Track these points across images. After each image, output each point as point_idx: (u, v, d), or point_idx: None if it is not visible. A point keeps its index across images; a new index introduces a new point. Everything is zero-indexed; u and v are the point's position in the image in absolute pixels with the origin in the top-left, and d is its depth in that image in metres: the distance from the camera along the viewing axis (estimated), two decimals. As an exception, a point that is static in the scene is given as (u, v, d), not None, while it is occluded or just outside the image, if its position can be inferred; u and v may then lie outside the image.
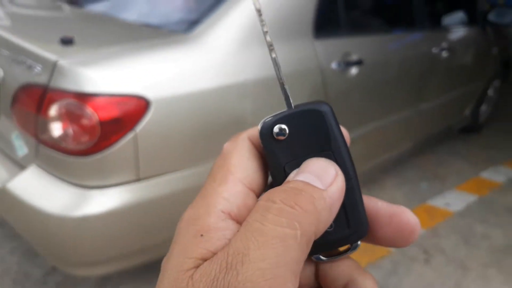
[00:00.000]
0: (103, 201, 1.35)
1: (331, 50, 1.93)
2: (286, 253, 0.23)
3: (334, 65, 1.91)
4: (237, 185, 0.28)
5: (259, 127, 0.29)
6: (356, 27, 2.29)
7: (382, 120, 2.47)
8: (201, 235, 0.25)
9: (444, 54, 2.83)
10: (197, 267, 0.24)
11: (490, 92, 3.99)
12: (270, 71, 1.61)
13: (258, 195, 0.29)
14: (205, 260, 0.24)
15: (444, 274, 2.14)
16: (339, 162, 0.28)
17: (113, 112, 1.27)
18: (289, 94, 0.29)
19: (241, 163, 0.29)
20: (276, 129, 0.29)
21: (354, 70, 2.02)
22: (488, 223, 2.61)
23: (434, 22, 2.99)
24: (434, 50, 2.73)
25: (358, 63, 2.04)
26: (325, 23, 1.93)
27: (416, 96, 2.77)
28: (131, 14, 1.86)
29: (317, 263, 0.30)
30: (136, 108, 1.30)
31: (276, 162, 0.29)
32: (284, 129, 0.29)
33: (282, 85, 0.29)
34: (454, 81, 3.19)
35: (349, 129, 0.32)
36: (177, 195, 1.48)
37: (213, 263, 0.23)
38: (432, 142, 3.54)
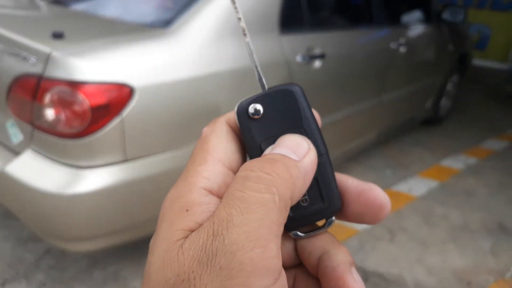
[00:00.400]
0: (94, 179, 1.47)
1: (295, 45, 2.07)
2: (267, 216, 0.24)
3: (299, 58, 2.06)
4: (217, 165, 0.29)
5: (235, 108, 0.30)
6: (319, 23, 2.44)
7: (346, 110, 2.60)
8: (186, 210, 0.26)
9: (402, 49, 2.96)
10: (185, 237, 0.25)
11: (449, 86, 4.14)
12: (243, 63, 1.76)
13: None
14: (192, 231, 0.25)
15: (406, 249, 2.29)
16: (311, 139, 0.30)
17: (102, 98, 1.40)
18: (262, 76, 0.31)
19: (219, 145, 0.30)
20: (251, 109, 0.30)
21: (317, 63, 2.17)
22: (447, 205, 2.78)
23: (392, 20, 3.13)
24: (392, 45, 2.87)
25: (321, 56, 2.19)
26: (290, 19, 2.07)
27: (377, 88, 2.90)
28: (113, 12, 1.96)
29: (296, 240, 0.31)
30: (122, 95, 1.44)
31: (252, 140, 0.30)
32: (259, 110, 0.30)
33: (255, 68, 0.31)
34: (412, 75, 3.33)
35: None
36: (161, 175, 1.61)
37: (200, 232, 0.24)
38: (396, 133, 3.68)
